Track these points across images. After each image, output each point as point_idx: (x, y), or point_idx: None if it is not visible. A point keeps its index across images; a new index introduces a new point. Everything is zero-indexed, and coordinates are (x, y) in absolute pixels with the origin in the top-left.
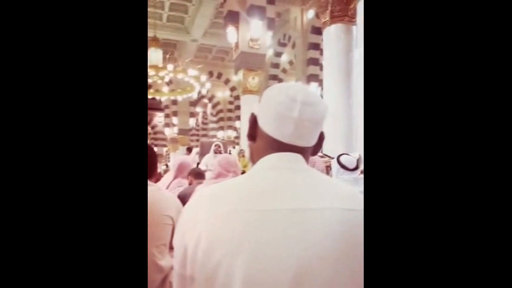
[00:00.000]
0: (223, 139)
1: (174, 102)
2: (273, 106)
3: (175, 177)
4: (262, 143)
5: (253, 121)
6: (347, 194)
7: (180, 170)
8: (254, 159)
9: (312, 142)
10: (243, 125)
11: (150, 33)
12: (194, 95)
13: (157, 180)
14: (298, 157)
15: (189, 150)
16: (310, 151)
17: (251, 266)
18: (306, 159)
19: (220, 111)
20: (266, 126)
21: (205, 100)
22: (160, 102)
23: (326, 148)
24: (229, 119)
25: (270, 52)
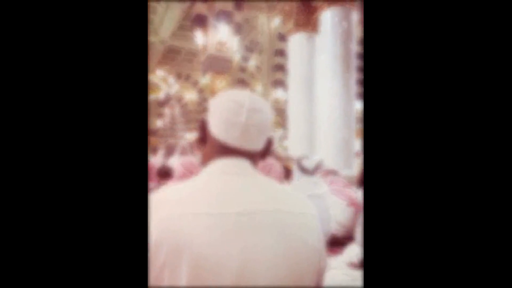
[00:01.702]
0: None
1: None
2: (222, 111)
3: None
4: (211, 147)
5: (203, 125)
6: (291, 198)
7: None
8: (204, 162)
9: (259, 146)
10: None
11: None
12: (162, 96)
13: None
14: (245, 162)
15: (154, 151)
16: (258, 155)
17: (194, 269)
18: (255, 163)
19: (189, 112)
20: (215, 130)
21: (173, 102)
22: None
23: (290, 150)
24: (198, 121)
25: (237, 57)
